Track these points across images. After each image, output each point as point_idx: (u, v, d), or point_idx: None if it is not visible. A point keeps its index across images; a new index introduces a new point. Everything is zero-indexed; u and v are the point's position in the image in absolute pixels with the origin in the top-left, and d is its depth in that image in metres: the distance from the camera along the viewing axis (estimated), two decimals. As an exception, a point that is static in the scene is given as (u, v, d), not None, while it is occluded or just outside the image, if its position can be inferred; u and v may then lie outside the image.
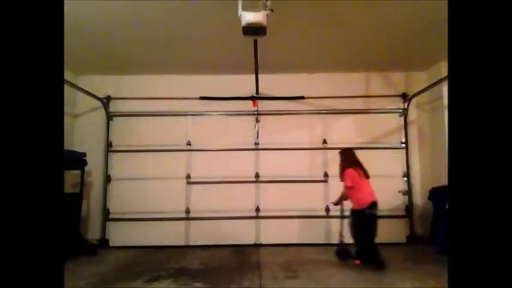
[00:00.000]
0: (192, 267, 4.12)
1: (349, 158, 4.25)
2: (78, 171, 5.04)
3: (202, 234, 5.39)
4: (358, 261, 4.05)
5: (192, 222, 5.45)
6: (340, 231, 4.48)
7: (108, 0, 3.44)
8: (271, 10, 2.79)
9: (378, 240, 5.55)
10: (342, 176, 4.22)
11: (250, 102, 5.57)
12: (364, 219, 3.97)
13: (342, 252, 4.33)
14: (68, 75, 5.30)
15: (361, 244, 4.04)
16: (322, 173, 5.53)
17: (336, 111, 5.65)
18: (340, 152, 4.37)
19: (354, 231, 4.15)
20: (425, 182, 5.45)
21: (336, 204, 4.47)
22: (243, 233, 5.41)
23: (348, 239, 4.36)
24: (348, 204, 4.36)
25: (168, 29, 4.14)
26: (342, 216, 4.49)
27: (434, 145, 5.47)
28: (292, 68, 5.54)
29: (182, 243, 5.33)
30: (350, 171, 4.11)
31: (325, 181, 5.51)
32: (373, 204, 3.99)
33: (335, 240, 5.33)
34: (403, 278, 3.61)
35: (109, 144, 5.61)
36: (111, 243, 5.39)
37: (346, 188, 4.18)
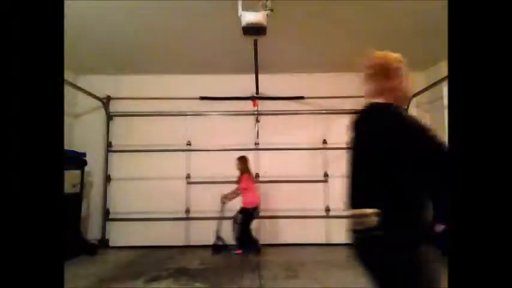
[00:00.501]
0: (192, 267, 4.12)
1: (246, 165, 4.97)
2: (78, 171, 5.04)
3: (202, 234, 5.39)
4: (240, 251, 4.78)
5: (192, 222, 5.45)
6: (217, 228, 5.04)
7: (108, 0, 3.44)
8: (271, 10, 2.79)
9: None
10: (240, 178, 4.91)
11: (250, 102, 5.58)
12: (252, 215, 4.80)
13: (217, 247, 4.93)
14: (68, 75, 5.30)
15: (245, 236, 4.79)
16: (322, 173, 5.53)
17: (336, 111, 5.64)
18: (239, 159, 5.00)
19: (242, 226, 4.79)
20: (425, 182, 5.44)
21: (225, 203, 5.05)
22: (243, 233, 5.41)
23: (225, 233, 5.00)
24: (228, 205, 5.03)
25: (168, 29, 4.14)
26: (222, 217, 5.06)
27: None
28: (292, 68, 5.55)
29: (182, 243, 5.33)
30: (247, 175, 4.89)
31: (325, 181, 5.52)
32: (258, 205, 4.90)
33: (335, 240, 5.36)
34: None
35: (109, 144, 5.62)
36: (111, 243, 5.39)
37: (243, 189, 4.85)
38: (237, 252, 4.79)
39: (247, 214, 4.81)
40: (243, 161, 4.99)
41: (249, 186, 4.86)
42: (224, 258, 4.62)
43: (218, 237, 5.03)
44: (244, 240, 4.81)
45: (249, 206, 4.81)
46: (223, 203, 5.03)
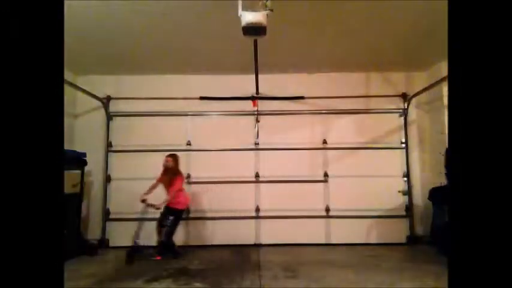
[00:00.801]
0: (192, 267, 4.12)
1: (178, 164, 4.67)
2: (78, 171, 5.04)
3: (202, 234, 5.39)
4: (159, 257, 4.42)
5: (193, 222, 5.44)
6: (137, 232, 4.51)
7: (108, 0, 3.44)
8: (271, 10, 2.79)
9: (378, 240, 5.60)
10: (175, 178, 4.53)
11: (250, 102, 5.57)
12: (181, 217, 4.65)
13: (132, 251, 4.42)
14: (68, 75, 5.30)
15: (170, 240, 4.52)
16: (322, 173, 5.53)
17: (336, 111, 5.64)
18: (172, 156, 4.68)
19: (171, 228, 4.49)
20: (425, 182, 5.45)
21: (158, 208, 4.45)
22: (243, 233, 5.41)
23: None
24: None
25: (168, 29, 4.13)
26: (143, 219, 4.58)
27: (434, 145, 5.47)
28: (292, 68, 5.54)
29: (182, 243, 5.33)
30: (181, 175, 4.64)
31: (325, 181, 5.51)
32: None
33: (335, 240, 5.36)
34: (403, 278, 3.61)
35: (109, 144, 5.61)
36: (111, 243, 5.39)
37: (179, 190, 4.55)
38: (156, 258, 4.40)
39: (180, 216, 4.61)
40: (176, 159, 4.67)
41: (182, 187, 4.65)
42: (224, 258, 4.62)
43: (136, 243, 4.47)
44: (169, 244, 4.51)
45: (183, 207, 4.62)
46: (157, 208, 4.43)
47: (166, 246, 4.51)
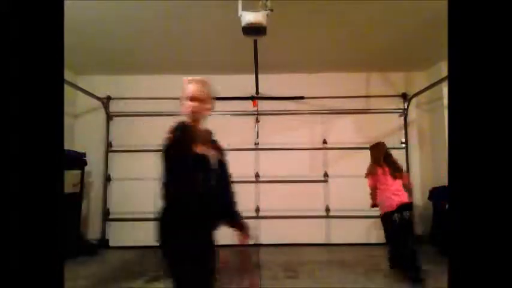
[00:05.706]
0: (192, 267, 4.11)
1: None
2: (78, 171, 5.04)
3: (202, 234, 5.38)
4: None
5: (192, 222, 5.44)
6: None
7: (108, 0, 3.44)
8: (271, 10, 2.79)
9: (378, 240, 5.58)
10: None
11: (250, 102, 5.57)
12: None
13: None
14: (68, 75, 5.29)
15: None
16: (322, 173, 5.53)
17: (336, 111, 5.64)
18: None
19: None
20: (425, 182, 5.45)
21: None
22: (243, 233, 5.40)
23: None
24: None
25: (168, 29, 4.13)
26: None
27: (434, 145, 5.47)
28: (292, 68, 5.54)
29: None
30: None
31: (325, 181, 5.51)
32: None
33: (335, 240, 5.35)
34: (403, 278, 3.61)
35: (109, 144, 5.61)
36: (111, 243, 5.39)
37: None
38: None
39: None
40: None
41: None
42: (224, 258, 4.61)
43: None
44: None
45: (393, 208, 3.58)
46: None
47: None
